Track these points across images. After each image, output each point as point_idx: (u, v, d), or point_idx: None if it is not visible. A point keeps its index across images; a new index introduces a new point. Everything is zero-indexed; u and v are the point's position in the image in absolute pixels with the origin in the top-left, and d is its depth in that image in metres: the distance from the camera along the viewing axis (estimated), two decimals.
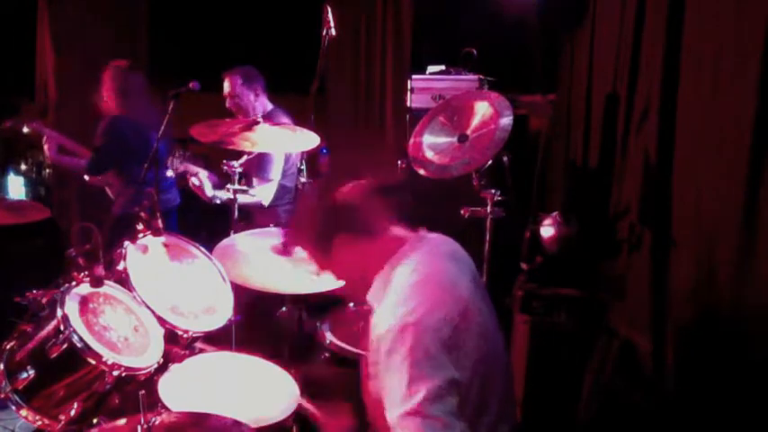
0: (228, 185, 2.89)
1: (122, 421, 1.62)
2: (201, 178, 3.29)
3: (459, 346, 1.49)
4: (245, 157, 3.05)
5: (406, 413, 1.38)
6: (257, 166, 3.37)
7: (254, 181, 3.41)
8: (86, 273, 1.86)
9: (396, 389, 1.43)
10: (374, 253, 1.64)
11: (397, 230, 1.68)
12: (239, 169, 2.89)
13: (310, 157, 3.67)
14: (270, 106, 3.58)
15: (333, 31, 2.82)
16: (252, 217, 3.48)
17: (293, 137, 2.83)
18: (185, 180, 3.43)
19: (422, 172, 2.70)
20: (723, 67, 2.11)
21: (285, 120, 3.51)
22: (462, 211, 2.71)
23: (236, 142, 2.68)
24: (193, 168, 3.35)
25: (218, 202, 3.28)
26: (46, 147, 3.49)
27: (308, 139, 2.76)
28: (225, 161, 2.90)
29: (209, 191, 3.27)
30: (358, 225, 1.66)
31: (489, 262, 2.69)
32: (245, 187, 2.96)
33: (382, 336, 1.48)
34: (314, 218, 1.72)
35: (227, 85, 3.53)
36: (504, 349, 1.73)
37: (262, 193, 3.39)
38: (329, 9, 2.83)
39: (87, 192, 4.04)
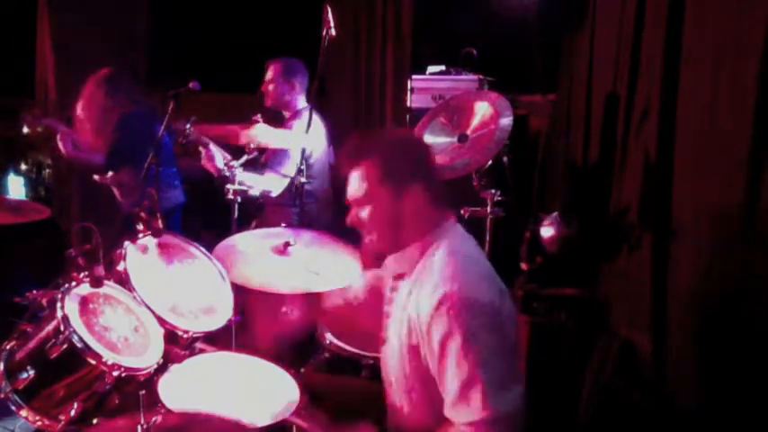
0: (228, 186, 2.88)
1: (122, 422, 1.62)
2: (213, 149, 3.17)
3: (501, 327, 1.56)
4: (245, 157, 3.04)
5: (478, 422, 1.47)
6: (273, 158, 3.32)
7: (267, 172, 3.35)
8: (86, 273, 1.85)
9: (455, 377, 1.50)
10: (427, 218, 1.65)
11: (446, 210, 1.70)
12: (240, 169, 2.88)
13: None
14: (303, 104, 3.49)
15: (333, 32, 2.81)
16: (263, 213, 3.45)
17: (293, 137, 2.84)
18: (195, 150, 3.30)
19: None
20: (723, 67, 2.11)
21: (317, 121, 3.40)
22: (462, 212, 2.71)
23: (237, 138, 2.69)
24: (204, 139, 3.22)
25: (227, 174, 3.05)
26: (61, 144, 3.42)
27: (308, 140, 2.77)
28: (226, 162, 2.89)
29: (219, 162, 3.13)
30: (436, 189, 1.66)
31: (490, 262, 2.69)
32: (244, 187, 2.95)
33: (431, 314, 1.52)
34: (410, 152, 1.69)
35: (269, 73, 3.48)
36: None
37: (270, 183, 3.29)
38: (329, 9, 2.82)
39: (87, 192, 4.04)
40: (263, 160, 2.95)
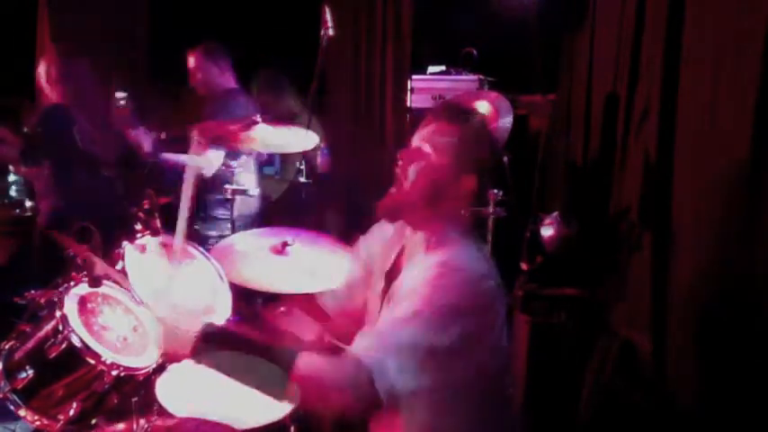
0: (227, 185, 2.88)
1: (120, 426, 1.62)
2: (142, 132, 3.19)
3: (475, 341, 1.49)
4: (243, 157, 3.05)
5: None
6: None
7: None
8: (85, 273, 1.85)
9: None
10: (458, 211, 1.63)
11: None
12: (239, 169, 2.88)
13: (310, 157, 3.66)
14: (233, 84, 3.52)
15: (331, 32, 2.81)
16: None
17: (293, 136, 2.82)
18: (126, 134, 3.26)
19: None
20: (723, 67, 2.11)
21: (243, 102, 3.44)
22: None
23: (236, 141, 2.67)
24: (133, 120, 3.22)
25: (158, 159, 3.18)
26: None
27: (308, 139, 2.76)
28: (224, 162, 2.89)
29: (147, 146, 3.18)
30: (482, 190, 1.65)
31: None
32: (244, 187, 2.95)
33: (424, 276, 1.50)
34: (489, 148, 1.68)
35: (191, 61, 3.49)
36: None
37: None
38: (327, 9, 2.82)
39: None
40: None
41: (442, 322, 1.44)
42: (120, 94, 3.14)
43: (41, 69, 3.27)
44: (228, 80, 3.51)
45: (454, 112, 1.65)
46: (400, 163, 1.61)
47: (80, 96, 3.22)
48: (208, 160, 3.14)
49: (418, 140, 1.61)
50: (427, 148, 1.58)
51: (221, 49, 3.52)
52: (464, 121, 1.62)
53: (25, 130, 3.36)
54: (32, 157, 3.20)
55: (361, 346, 1.47)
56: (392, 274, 1.70)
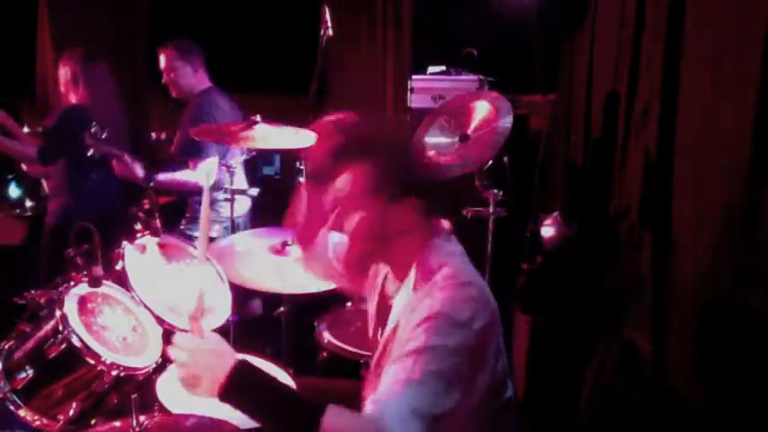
0: (226, 186, 2.88)
1: (117, 423, 1.62)
2: (128, 160, 3.06)
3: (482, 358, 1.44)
4: (244, 156, 3.05)
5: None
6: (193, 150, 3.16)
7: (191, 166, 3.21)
8: (85, 273, 1.85)
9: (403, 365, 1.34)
10: (416, 234, 1.50)
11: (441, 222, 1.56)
12: (237, 168, 2.88)
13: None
14: (207, 84, 3.39)
15: (330, 32, 2.82)
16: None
17: (293, 136, 2.82)
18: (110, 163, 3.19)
19: None
20: (723, 67, 2.10)
21: (223, 102, 3.33)
22: (465, 212, 2.71)
23: (236, 141, 2.67)
24: (115, 150, 3.11)
25: (152, 184, 2.97)
26: None
27: (308, 140, 2.75)
28: (224, 161, 2.89)
29: (139, 171, 3.06)
30: (431, 201, 1.50)
31: (491, 262, 2.69)
32: (243, 188, 2.95)
33: (424, 318, 1.39)
34: (408, 160, 1.51)
35: (162, 59, 3.33)
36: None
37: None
38: (327, 9, 2.83)
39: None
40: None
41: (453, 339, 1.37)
42: (93, 129, 3.12)
43: (61, 72, 3.31)
44: (203, 80, 3.37)
45: (347, 149, 1.48)
46: (336, 215, 1.50)
47: (98, 98, 3.26)
48: (204, 172, 3.11)
49: (337, 192, 1.49)
50: (348, 198, 1.47)
51: (194, 46, 3.38)
52: (361, 154, 1.46)
53: (40, 129, 3.39)
54: (50, 157, 3.22)
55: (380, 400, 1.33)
56: (382, 301, 1.67)
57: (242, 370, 1.32)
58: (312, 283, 2.21)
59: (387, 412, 1.28)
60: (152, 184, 2.95)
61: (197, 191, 3.15)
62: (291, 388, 1.61)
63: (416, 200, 1.47)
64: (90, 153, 2.89)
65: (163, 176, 3.10)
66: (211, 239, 3.03)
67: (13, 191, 4.20)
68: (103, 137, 2.90)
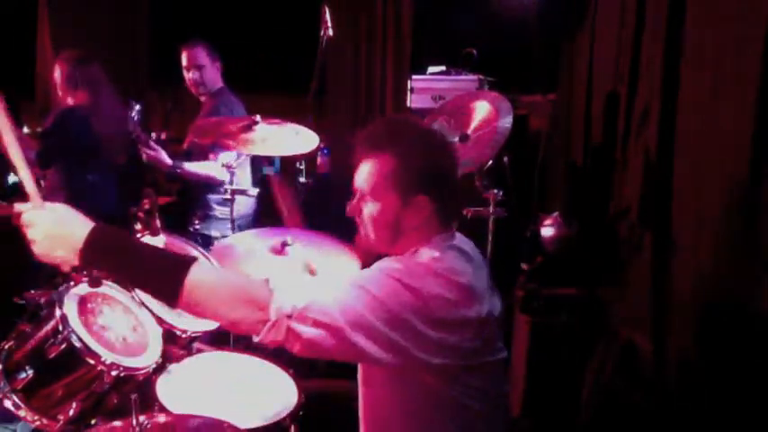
0: (227, 186, 2.88)
1: (118, 423, 1.62)
2: (156, 146, 3.15)
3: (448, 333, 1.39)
4: (244, 156, 3.04)
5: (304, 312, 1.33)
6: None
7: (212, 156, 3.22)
8: (85, 272, 1.85)
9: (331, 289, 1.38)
10: (428, 230, 1.52)
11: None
12: (236, 168, 2.87)
13: (310, 158, 3.67)
14: (222, 83, 3.45)
15: (330, 32, 2.82)
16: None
17: (293, 137, 2.83)
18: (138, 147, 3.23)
19: None
20: (723, 67, 2.10)
21: (236, 101, 3.40)
22: (465, 212, 2.70)
23: (235, 142, 2.67)
24: (144, 136, 3.20)
25: (178, 171, 3.16)
26: None
27: (308, 140, 2.76)
28: (223, 161, 2.89)
29: (166, 158, 3.14)
30: (447, 202, 1.53)
31: (491, 262, 2.69)
32: (244, 188, 2.94)
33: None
34: (429, 158, 1.51)
35: (191, 56, 3.37)
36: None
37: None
38: (327, 9, 2.83)
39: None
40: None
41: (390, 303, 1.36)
42: (133, 113, 3.16)
43: (56, 74, 3.30)
44: (220, 78, 3.45)
45: (374, 141, 1.55)
46: (356, 202, 1.57)
47: (95, 99, 3.25)
48: (220, 167, 3.12)
49: (360, 182, 1.55)
50: (368, 188, 1.53)
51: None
52: (385, 146, 1.52)
53: (39, 130, 3.38)
54: (48, 159, 3.22)
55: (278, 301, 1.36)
56: None
57: (99, 229, 1.37)
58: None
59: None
60: (179, 171, 3.00)
61: (219, 184, 3.16)
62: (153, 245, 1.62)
63: (432, 197, 1.50)
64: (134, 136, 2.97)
65: (189, 166, 3.13)
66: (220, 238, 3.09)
67: (12, 178, 4.21)
68: (136, 118, 2.93)
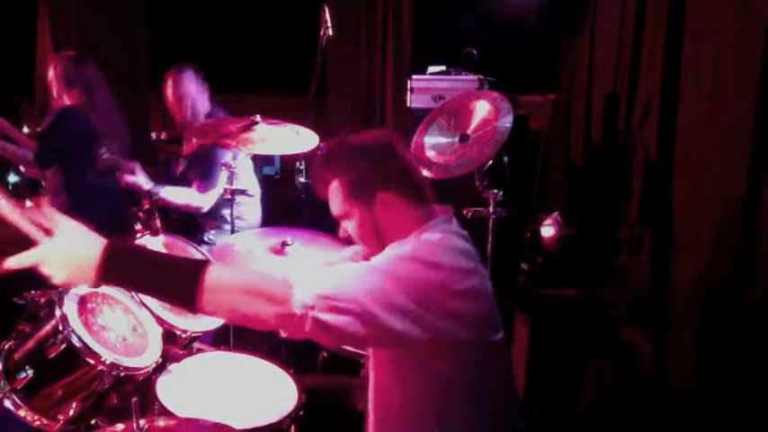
0: (227, 186, 2.87)
1: (120, 426, 1.62)
2: (137, 171, 3.01)
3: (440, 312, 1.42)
4: (243, 156, 3.03)
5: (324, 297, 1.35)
6: (202, 172, 3.11)
7: (196, 186, 3.12)
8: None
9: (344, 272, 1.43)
10: (408, 220, 1.57)
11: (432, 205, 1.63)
12: (236, 168, 2.86)
13: (310, 158, 3.66)
14: (209, 104, 3.26)
15: (330, 32, 2.81)
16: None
17: (293, 137, 2.82)
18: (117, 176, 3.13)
19: (425, 173, 2.68)
20: (723, 68, 2.11)
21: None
22: (465, 212, 2.70)
23: (235, 143, 2.66)
24: (122, 164, 3.08)
25: (156, 197, 3.00)
26: None
27: (308, 140, 2.75)
28: (223, 161, 2.88)
29: (146, 183, 3.01)
30: (413, 188, 1.59)
31: (491, 262, 2.69)
32: (244, 188, 2.94)
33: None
34: (372, 160, 1.58)
35: (176, 84, 3.21)
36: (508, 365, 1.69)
37: (205, 199, 3.13)
38: (327, 9, 2.83)
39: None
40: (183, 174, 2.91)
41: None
42: (101, 150, 3.12)
43: (51, 75, 3.28)
44: (207, 101, 3.28)
45: (321, 172, 1.63)
46: (342, 227, 1.66)
47: (91, 98, 3.23)
48: (205, 199, 3.11)
49: (333, 209, 1.63)
50: (339, 211, 1.62)
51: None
52: (331, 171, 1.60)
53: (38, 130, 3.38)
54: (47, 159, 3.21)
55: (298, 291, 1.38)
56: None
57: (111, 247, 1.36)
58: None
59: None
60: (156, 198, 2.95)
61: (194, 213, 3.14)
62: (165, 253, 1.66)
63: (394, 190, 1.56)
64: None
65: (166, 194, 3.03)
66: None
67: (12, 177, 4.21)
68: (107, 156, 2.91)
